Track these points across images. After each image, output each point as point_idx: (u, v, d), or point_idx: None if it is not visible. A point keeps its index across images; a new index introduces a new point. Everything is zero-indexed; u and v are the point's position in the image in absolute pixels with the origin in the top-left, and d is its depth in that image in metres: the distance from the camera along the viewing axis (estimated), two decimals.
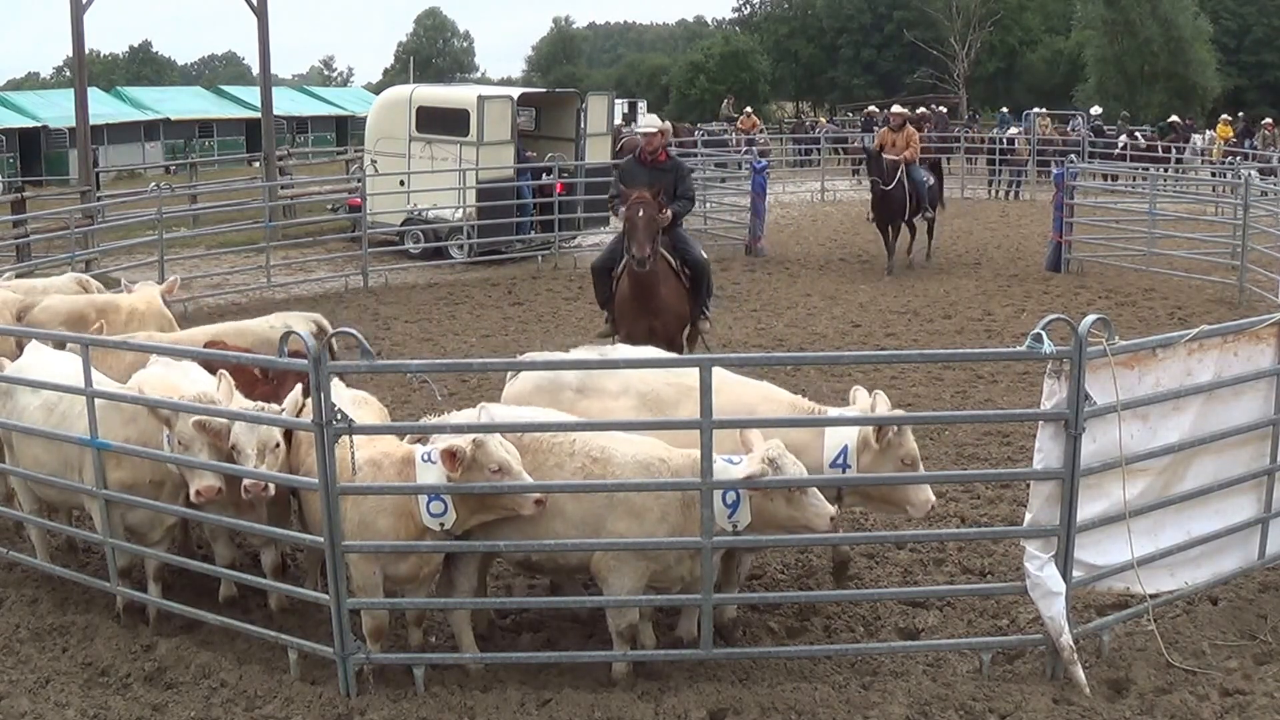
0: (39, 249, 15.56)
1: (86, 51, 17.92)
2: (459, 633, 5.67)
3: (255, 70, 25.71)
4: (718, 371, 5.49)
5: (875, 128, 25.08)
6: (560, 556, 5.53)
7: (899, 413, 5.99)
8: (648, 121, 10.45)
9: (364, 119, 22.13)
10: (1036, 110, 32.19)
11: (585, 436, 5.51)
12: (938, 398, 10.27)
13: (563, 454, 5.47)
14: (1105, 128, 31.60)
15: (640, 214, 9.06)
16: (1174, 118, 31.36)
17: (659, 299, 9.42)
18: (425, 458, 5.34)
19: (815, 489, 5.35)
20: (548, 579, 6.36)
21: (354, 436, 5.25)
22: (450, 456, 5.13)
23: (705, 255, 10.19)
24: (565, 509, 5.41)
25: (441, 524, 5.33)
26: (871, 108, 35.96)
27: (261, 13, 19.21)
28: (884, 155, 16.44)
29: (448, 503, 5.30)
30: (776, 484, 5.21)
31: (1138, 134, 30.89)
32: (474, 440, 5.16)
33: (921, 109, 35.36)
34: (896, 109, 18.07)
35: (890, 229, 16.67)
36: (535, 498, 5.21)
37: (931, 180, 17.32)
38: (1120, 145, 28.53)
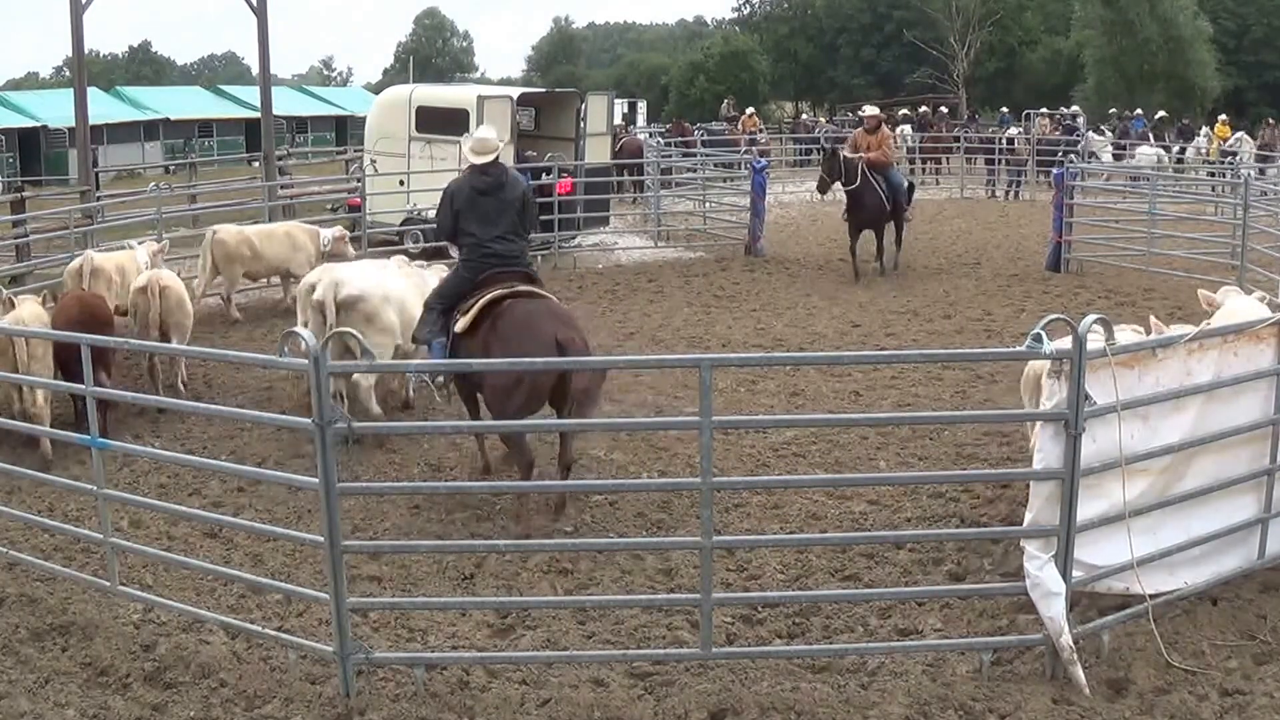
0: (38, 249, 15.57)
1: (86, 51, 17.92)
2: None
3: (255, 70, 25.72)
4: None
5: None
6: None
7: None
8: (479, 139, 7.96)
9: (364, 119, 22.13)
10: (1039, 110, 32.20)
11: None
12: (938, 398, 10.27)
13: None
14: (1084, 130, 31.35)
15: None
16: (1161, 113, 31.36)
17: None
18: None
19: None
20: None
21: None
22: None
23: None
24: None
25: None
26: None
27: (261, 13, 19.20)
28: (840, 152, 16.05)
29: None
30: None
31: (1105, 129, 30.59)
32: None
33: (924, 108, 35.38)
34: (870, 110, 17.43)
35: (872, 234, 16.13)
36: None
37: (905, 183, 16.80)
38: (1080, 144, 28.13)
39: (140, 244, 12.36)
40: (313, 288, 9.57)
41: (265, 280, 15.43)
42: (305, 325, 9.37)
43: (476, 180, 7.77)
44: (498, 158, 7.89)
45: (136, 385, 10.54)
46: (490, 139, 7.90)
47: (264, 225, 14.80)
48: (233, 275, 13.71)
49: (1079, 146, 26.09)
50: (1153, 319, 6.90)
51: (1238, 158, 25.97)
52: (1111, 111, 34.69)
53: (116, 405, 9.18)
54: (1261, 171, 24.67)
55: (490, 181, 7.75)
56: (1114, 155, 25.98)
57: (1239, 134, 28.14)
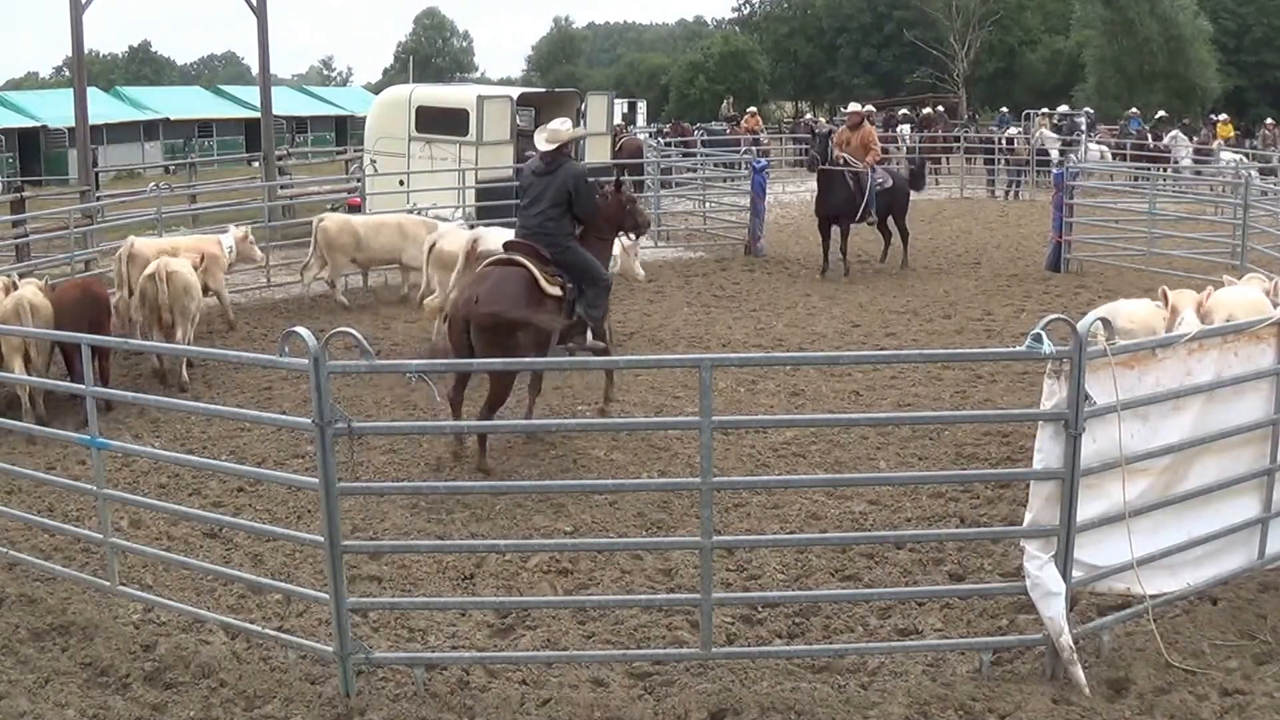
0: (38, 249, 15.57)
1: (86, 51, 17.95)
2: None
3: (255, 70, 25.74)
4: None
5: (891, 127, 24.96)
6: None
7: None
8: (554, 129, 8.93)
9: (363, 119, 22.15)
10: (1039, 110, 32.17)
11: None
12: (937, 398, 10.27)
13: None
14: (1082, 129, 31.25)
15: None
16: (1161, 113, 31.31)
17: None
18: None
19: None
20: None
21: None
22: None
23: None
24: None
25: None
26: (869, 107, 35.91)
27: (261, 13, 19.21)
28: (829, 139, 16.42)
29: None
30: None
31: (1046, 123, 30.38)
32: None
33: (927, 109, 35.38)
34: (853, 106, 17.72)
35: (833, 229, 16.24)
36: None
37: (890, 183, 16.63)
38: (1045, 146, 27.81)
39: (233, 228, 13.08)
40: (437, 244, 11.26)
41: (266, 279, 15.52)
42: (433, 279, 11.33)
43: (537, 165, 8.88)
44: (562, 147, 8.79)
45: (136, 385, 10.55)
46: (561, 131, 8.79)
47: (374, 215, 15.42)
48: (337, 263, 14.14)
49: (1029, 142, 26.27)
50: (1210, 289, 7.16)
51: (1175, 156, 26.08)
52: (1089, 111, 34.74)
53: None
54: (1198, 173, 24.79)
55: (546, 167, 8.76)
56: (1060, 152, 26.06)
57: (1174, 133, 28.14)
